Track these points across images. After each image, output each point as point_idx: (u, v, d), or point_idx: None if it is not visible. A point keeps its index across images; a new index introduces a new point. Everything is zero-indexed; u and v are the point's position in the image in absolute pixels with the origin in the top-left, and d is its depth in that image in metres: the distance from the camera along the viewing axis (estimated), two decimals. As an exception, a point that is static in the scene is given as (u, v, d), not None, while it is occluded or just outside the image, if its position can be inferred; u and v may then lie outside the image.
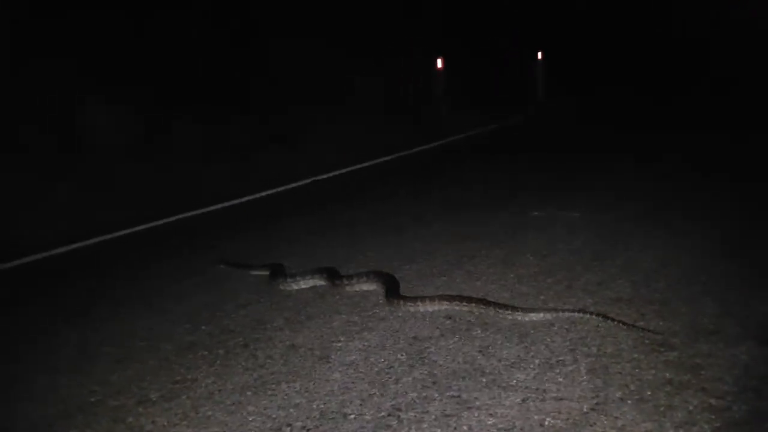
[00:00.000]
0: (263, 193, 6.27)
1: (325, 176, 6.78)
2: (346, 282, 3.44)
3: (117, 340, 3.16)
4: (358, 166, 7.22)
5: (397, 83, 10.63)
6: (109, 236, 5.14)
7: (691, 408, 1.95)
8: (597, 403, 2.02)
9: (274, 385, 2.46)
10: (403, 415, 2.09)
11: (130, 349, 3.03)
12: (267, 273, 3.82)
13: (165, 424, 2.31)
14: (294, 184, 6.53)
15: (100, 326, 3.35)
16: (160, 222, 5.60)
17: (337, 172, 6.93)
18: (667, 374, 2.15)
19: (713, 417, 1.89)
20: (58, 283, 4.12)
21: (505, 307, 2.81)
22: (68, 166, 6.99)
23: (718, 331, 2.42)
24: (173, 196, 6.52)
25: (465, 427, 1.97)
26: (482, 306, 2.86)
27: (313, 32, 9.85)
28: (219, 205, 5.97)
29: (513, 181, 5.81)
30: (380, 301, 3.19)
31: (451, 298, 2.96)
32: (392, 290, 3.20)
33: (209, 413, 2.34)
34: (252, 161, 7.79)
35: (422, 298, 3.02)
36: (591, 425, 1.91)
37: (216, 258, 4.11)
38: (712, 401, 1.97)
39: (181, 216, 5.69)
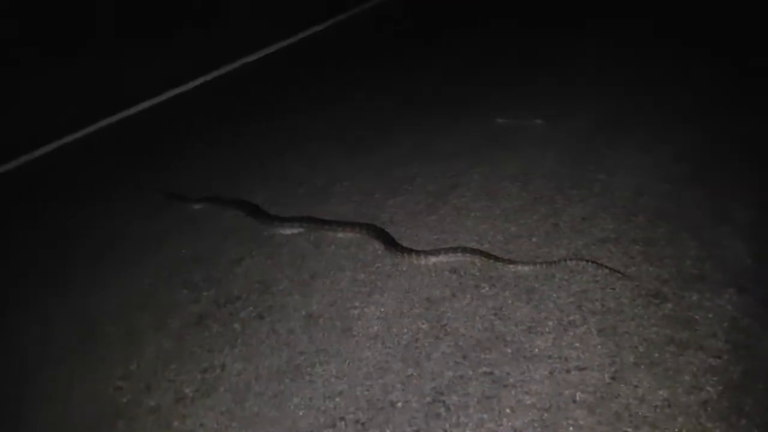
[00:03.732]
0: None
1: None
2: (330, 228, 3.49)
3: (115, 313, 3.15)
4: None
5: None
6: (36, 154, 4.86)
7: (695, 370, 2.27)
8: (616, 371, 2.31)
9: (309, 368, 2.59)
10: (447, 400, 2.30)
11: (135, 326, 3.03)
12: (217, 206, 3.87)
13: (215, 426, 2.42)
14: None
15: (89, 291, 3.30)
16: (91, 129, 5.27)
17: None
18: (668, 332, 2.45)
19: (715, 379, 2.22)
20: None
21: (508, 260, 2.99)
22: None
23: (703, 277, 2.72)
24: (97, 92, 6.07)
25: (508, 410, 2.22)
26: (484, 258, 3.03)
27: None
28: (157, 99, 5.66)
29: (461, 68, 5.74)
30: (379, 253, 3.28)
31: (454, 251, 3.10)
32: (390, 241, 3.29)
33: (255, 409, 2.46)
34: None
35: (425, 252, 3.14)
36: (616, 397, 2.20)
37: (179, 191, 4.08)
38: (712, 361, 2.30)
39: (111, 119, 5.36)
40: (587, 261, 2.89)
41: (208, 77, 6.32)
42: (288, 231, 3.59)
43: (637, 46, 5.66)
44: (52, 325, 3.13)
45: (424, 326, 2.70)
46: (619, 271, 2.81)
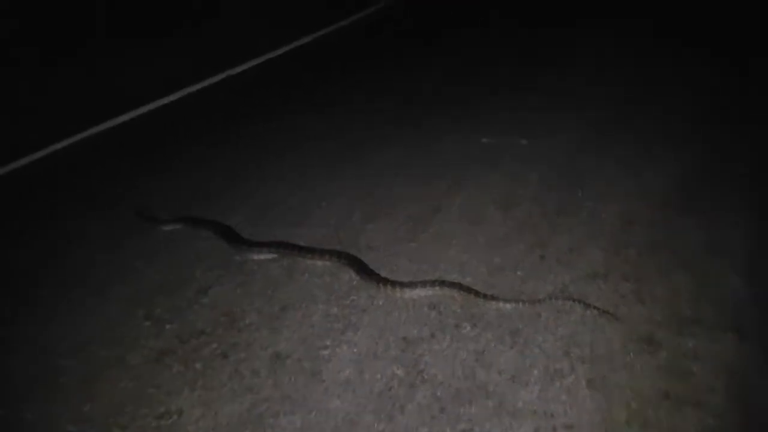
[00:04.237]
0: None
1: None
2: (304, 255, 3.29)
3: (76, 347, 2.89)
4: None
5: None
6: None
7: (692, 430, 2.09)
8: (606, 431, 2.12)
9: (272, 419, 2.38)
10: (421, 462, 2.10)
11: (93, 361, 2.79)
12: (188, 227, 3.68)
13: (168, 486, 2.21)
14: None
15: (52, 322, 3.03)
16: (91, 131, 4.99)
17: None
18: (663, 385, 2.27)
19: (714, 442, 2.05)
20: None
21: (491, 296, 2.79)
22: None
23: (698, 320, 2.55)
24: (97, 94, 5.80)
25: (488, 476, 2.02)
26: (465, 293, 2.83)
27: None
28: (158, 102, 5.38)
29: (445, 84, 5.56)
30: (354, 283, 3.08)
31: (432, 284, 2.90)
32: (365, 270, 3.09)
33: (212, 465, 2.25)
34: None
35: (402, 284, 2.94)
36: (605, 461, 2.02)
37: (145, 208, 3.84)
38: (710, 420, 2.12)
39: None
40: (575, 300, 2.70)
41: (211, 80, 6.09)
42: (260, 257, 3.38)
43: (637, 47, 5.51)
44: (7, 362, 2.87)
45: (399, 372, 2.50)
46: (609, 312, 2.63)
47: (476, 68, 5.60)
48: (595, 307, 2.65)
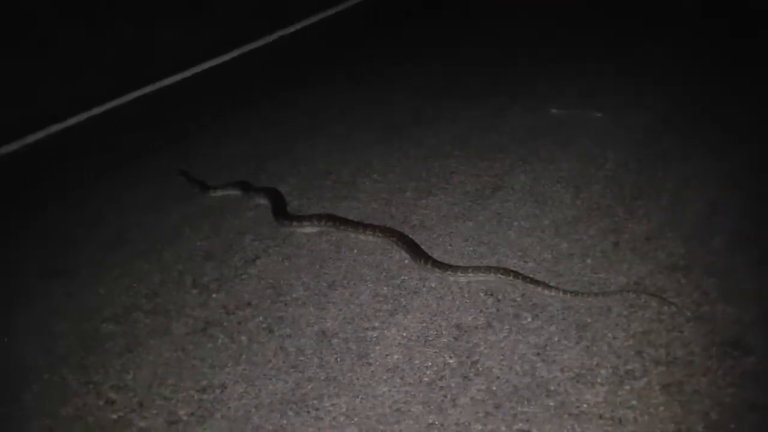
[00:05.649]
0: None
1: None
2: (353, 230, 3.13)
3: (119, 314, 2.85)
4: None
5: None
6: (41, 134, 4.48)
7: (785, 453, 1.85)
8: (681, 444, 1.90)
9: (316, 401, 2.26)
10: (472, 462, 1.94)
11: (136, 328, 2.74)
12: (238, 193, 3.61)
13: (206, 461, 2.13)
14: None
15: (94, 288, 2.98)
16: (104, 108, 4.89)
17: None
18: (749, 394, 2.02)
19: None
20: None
21: (556, 288, 2.56)
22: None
23: (794, 324, 2.27)
24: (117, 65, 5.70)
25: (546, 485, 1.84)
26: (528, 283, 2.61)
27: None
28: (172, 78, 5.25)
29: (506, 55, 5.23)
30: (405, 263, 2.91)
31: (491, 270, 2.70)
32: (415, 250, 2.91)
33: (251, 444, 2.16)
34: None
35: (457, 268, 2.75)
36: (681, 480, 1.80)
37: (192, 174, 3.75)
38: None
39: (129, 97, 4.97)
40: (651, 295, 2.44)
41: (243, 49, 5.93)
42: (308, 230, 3.25)
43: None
44: (52, 324, 2.85)
45: (451, 361, 2.33)
46: (689, 310, 2.36)
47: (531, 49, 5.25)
48: (673, 304, 2.39)
